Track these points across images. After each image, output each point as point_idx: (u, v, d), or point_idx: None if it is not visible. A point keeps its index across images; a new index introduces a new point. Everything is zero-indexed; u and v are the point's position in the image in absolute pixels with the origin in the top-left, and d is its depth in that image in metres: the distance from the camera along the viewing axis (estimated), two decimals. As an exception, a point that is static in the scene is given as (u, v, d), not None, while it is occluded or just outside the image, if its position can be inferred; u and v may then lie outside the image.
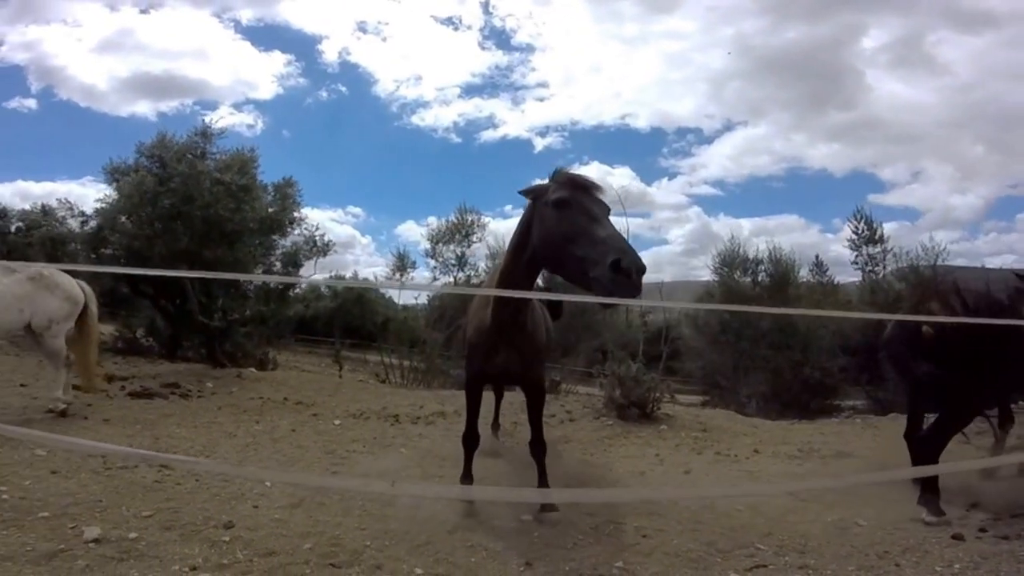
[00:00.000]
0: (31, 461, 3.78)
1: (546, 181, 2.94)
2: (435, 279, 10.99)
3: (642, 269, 2.34)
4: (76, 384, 5.52)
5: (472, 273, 10.72)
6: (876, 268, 10.16)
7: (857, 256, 10.22)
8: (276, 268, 9.53)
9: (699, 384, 11.19)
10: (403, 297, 16.38)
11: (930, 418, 4.22)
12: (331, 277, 13.70)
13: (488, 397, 4.51)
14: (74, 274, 5.44)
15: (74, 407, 5.43)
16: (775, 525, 3.42)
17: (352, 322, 15.47)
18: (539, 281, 3.39)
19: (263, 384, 7.45)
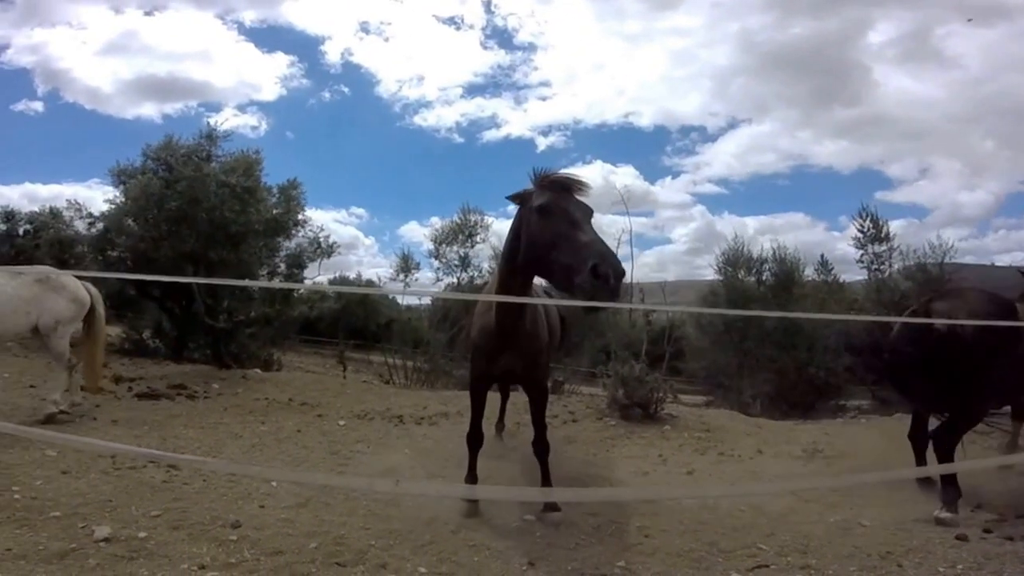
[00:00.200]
0: (41, 461, 3.84)
1: (535, 179, 2.98)
2: (438, 280, 11.01)
3: (620, 273, 2.41)
4: (82, 385, 5.58)
5: (476, 274, 10.72)
6: (882, 267, 10.11)
7: (863, 255, 10.18)
8: (280, 270, 9.57)
9: (703, 384, 11.19)
10: (407, 298, 16.45)
11: (930, 418, 4.25)
12: (335, 278, 13.79)
13: (493, 397, 4.54)
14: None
15: (82, 408, 5.50)
16: (777, 525, 3.44)
17: (356, 323, 15.52)
18: (542, 281, 3.42)
19: (268, 385, 7.50)
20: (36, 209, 11.29)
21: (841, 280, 10.88)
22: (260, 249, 9.05)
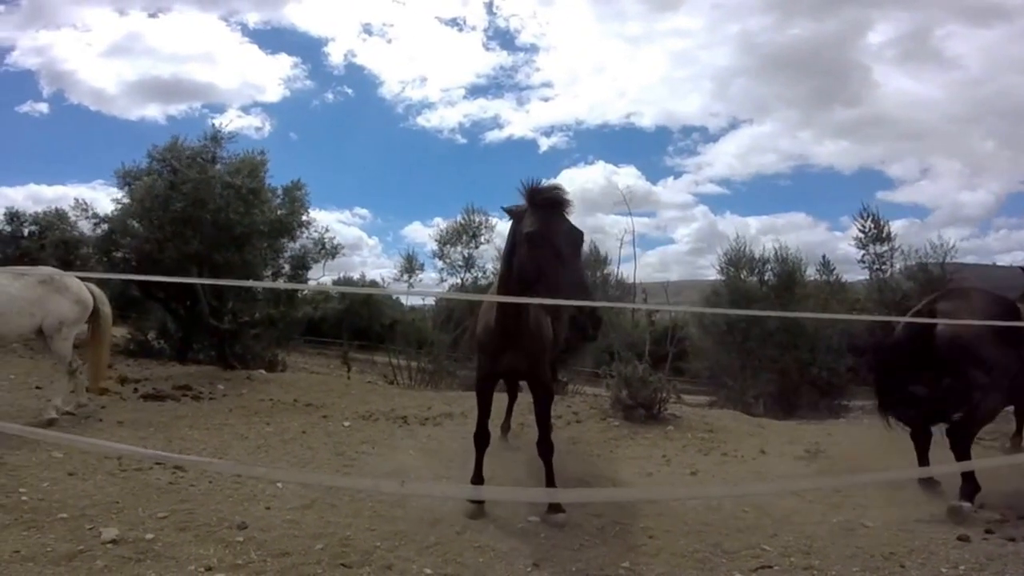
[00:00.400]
0: (48, 463, 3.86)
1: (526, 193, 3.15)
2: (442, 280, 11.03)
3: (597, 324, 2.78)
4: (87, 386, 5.59)
5: (480, 274, 10.74)
6: (884, 267, 10.11)
7: (864, 255, 10.17)
8: (285, 271, 9.61)
9: (706, 384, 11.20)
10: (411, 298, 16.47)
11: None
12: (339, 279, 13.81)
13: (499, 398, 4.56)
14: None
15: (88, 409, 5.51)
16: (781, 526, 3.45)
17: (360, 323, 15.54)
18: None
19: (273, 386, 7.52)
20: (40, 210, 11.34)
21: (843, 280, 10.89)
22: (264, 250, 9.08)
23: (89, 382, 5.57)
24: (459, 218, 11.07)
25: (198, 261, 8.52)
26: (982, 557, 3.03)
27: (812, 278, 10.72)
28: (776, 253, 10.70)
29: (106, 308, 5.49)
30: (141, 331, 10.00)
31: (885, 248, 10.07)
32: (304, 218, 9.48)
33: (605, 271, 11.03)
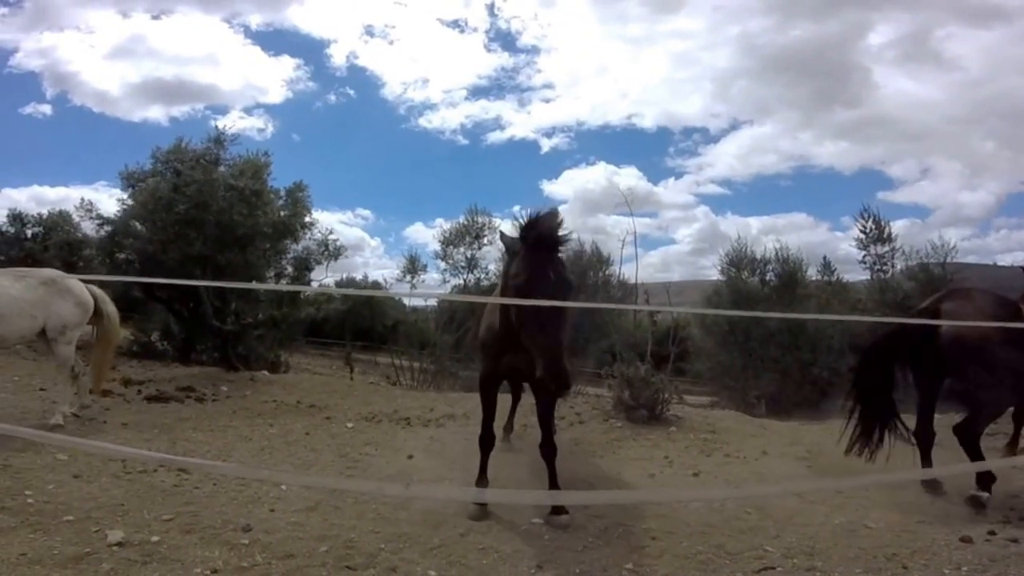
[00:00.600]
0: (53, 465, 3.87)
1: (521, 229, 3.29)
2: (445, 281, 11.06)
3: (565, 388, 2.97)
4: (89, 388, 5.61)
5: (483, 276, 10.76)
6: (885, 267, 10.11)
7: (865, 256, 10.18)
8: (288, 272, 9.64)
9: (708, 385, 11.19)
10: (413, 299, 16.50)
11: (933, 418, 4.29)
12: (342, 280, 13.83)
13: (503, 399, 4.58)
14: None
15: (92, 411, 5.54)
16: (783, 527, 3.45)
17: (362, 324, 15.58)
18: None
19: (276, 387, 7.54)
20: (43, 211, 11.38)
21: (844, 280, 10.90)
22: (267, 252, 9.11)
23: (92, 383, 5.58)
24: (462, 219, 11.11)
25: (201, 263, 8.56)
26: (985, 558, 3.03)
27: (813, 278, 10.74)
28: (777, 253, 10.74)
29: (109, 307, 5.46)
30: (144, 332, 10.03)
31: (886, 249, 10.08)
32: (307, 219, 9.53)
33: (607, 272, 11.05)
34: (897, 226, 10.47)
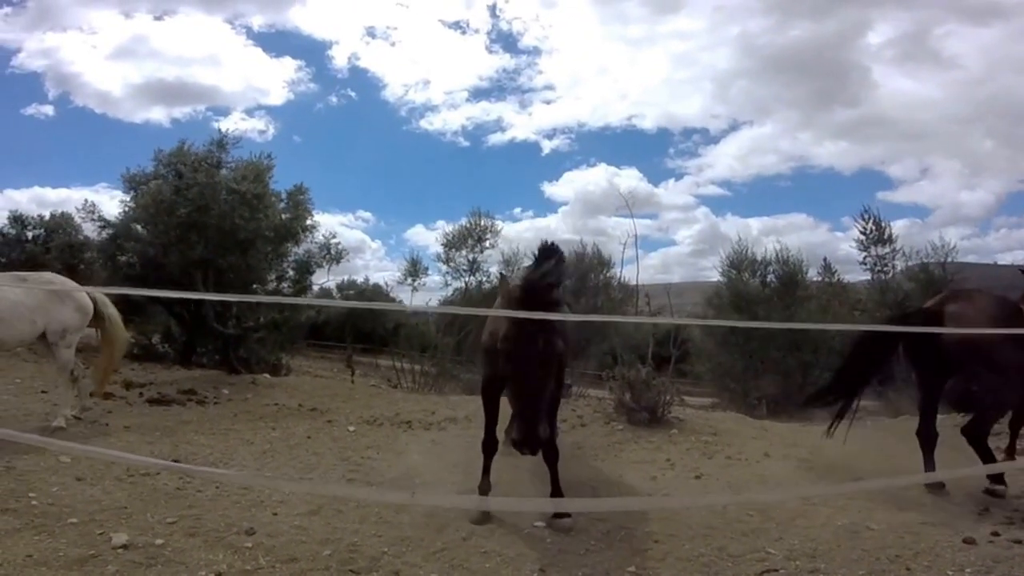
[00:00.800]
0: (56, 468, 3.88)
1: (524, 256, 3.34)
2: (447, 284, 11.07)
3: (533, 451, 2.98)
4: (91, 391, 5.61)
5: (484, 278, 10.78)
6: (885, 268, 10.12)
7: (865, 257, 10.19)
8: (289, 275, 9.65)
9: (709, 386, 11.20)
10: (414, 302, 16.48)
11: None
12: (343, 283, 13.86)
13: (504, 404, 4.57)
14: (88, 282, 5.49)
15: (94, 414, 5.54)
16: (785, 530, 3.45)
17: (363, 327, 15.60)
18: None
19: (277, 390, 7.54)
20: (45, 213, 11.40)
21: (845, 281, 10.91)
22: (269, 255, 9.12)
23: (94, 386, 5.58)
24: (464, 221, 11.12)
25: (203, 266, 8.56)
26: (988, 560, 3.03)
27: (814, 279, 10.75)
28: (778, 254, 10.75)
29: (110, 310, 5.43)
30: (145, 335, 10.03)
31: (887, 250, 10.09)
32: (308, 222, 9.53)
33: (608, 274, 11.07)
34: (897, 226, 10.54)
